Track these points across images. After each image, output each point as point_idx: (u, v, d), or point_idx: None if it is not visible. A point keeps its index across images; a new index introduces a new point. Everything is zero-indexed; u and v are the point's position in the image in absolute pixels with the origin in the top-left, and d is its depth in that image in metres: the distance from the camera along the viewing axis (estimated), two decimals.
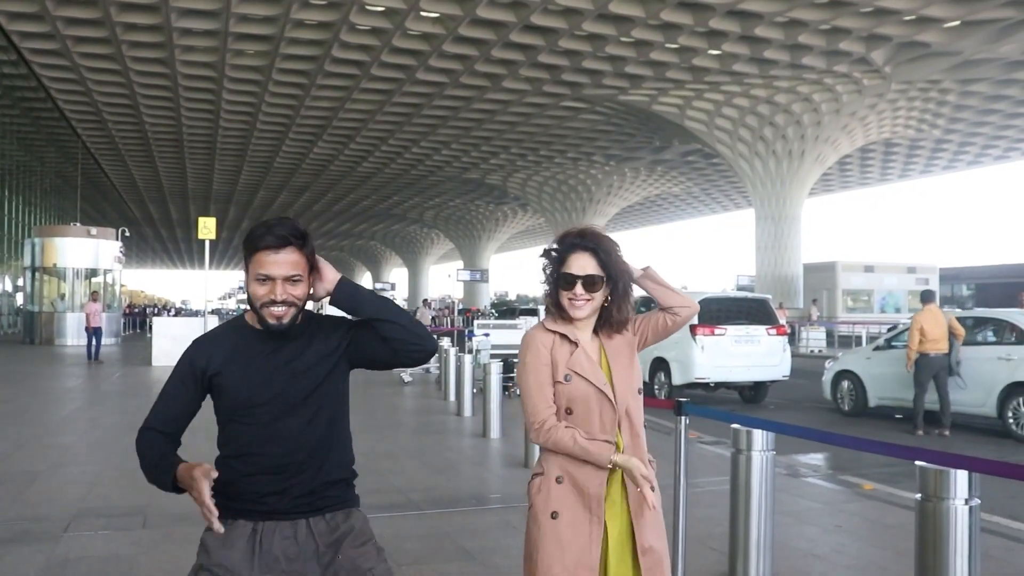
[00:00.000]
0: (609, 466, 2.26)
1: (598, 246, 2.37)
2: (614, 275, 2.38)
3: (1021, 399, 9.32)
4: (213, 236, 18.89)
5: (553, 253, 2.43)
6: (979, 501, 2.96)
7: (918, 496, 3.02)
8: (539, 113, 30.20)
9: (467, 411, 10.59)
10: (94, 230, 29.37)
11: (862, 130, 30.41)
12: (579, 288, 2.34)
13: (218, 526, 1.90)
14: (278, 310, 2.01)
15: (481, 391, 9.61)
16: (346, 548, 2.04)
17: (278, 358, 2.05)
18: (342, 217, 57.19)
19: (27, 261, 29.60)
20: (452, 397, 11.76)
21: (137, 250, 79.40)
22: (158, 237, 74.80)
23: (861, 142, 31.86)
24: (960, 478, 2.89)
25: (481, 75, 25.74)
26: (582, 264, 2.36)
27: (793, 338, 26.07)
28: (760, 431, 4.02)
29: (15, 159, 41.40)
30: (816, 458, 8.43)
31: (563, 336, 2.37)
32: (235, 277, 62.18)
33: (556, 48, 23.28)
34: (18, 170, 43.29)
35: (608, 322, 2.42)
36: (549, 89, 27.12)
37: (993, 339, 10.24)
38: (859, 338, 26.67)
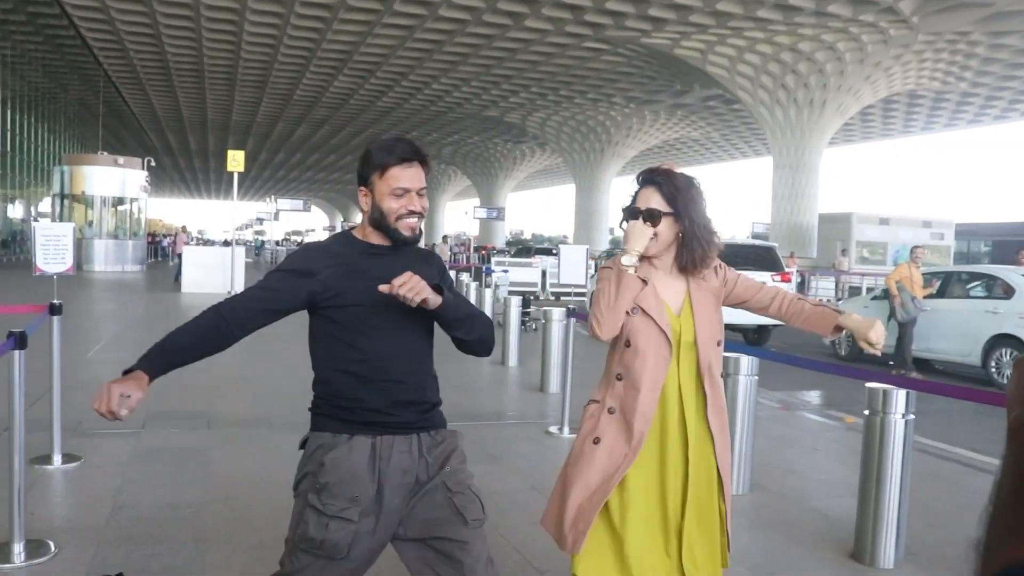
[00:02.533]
0: (629, 264, 2.30)
1: (665, 181, 2.36)
2: (681, 211, 2.34)
3: (1004, 350, 9.91)
4: (242, 168, 19.38)
5: (631, 191, 2.45)
6: (914, 416, 3.56)
7: (866, 412, 3.63)
8: (560, 53, 30.25)
9: None
10: (121, 159, 29.92)
11: (886, 81, 30.30)
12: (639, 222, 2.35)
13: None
14: (413, 221, 2.08)
15: (500, 324, 10.29)
16: (453, 462, 2.12)
17: (393, 271, 1.99)
18: (360, 151, 57.39)
19: (56, 188, 30.26)
20: None
21: (156, 179, 80.00)
22: (176, 167, 75.34)
23: (885, 93, 31.73)
24: (900, 396, 3.50)
25: (503, 13, 25.83)
26: (645, 197, 2.37)
27: (803, 287, 26.59)
28: (746, 357, 4.67)
29: (39, 87, 41.69)
30: (811, 395, 9.04)
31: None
32: (253, 208, 62.68)
33: None
34: (42, 98, 43.64)
35: (683, 263, 2.40)
36: (571, 29, 27.16)
37: (983, 293, 10.77)
38: (869, 289, 27.12)
